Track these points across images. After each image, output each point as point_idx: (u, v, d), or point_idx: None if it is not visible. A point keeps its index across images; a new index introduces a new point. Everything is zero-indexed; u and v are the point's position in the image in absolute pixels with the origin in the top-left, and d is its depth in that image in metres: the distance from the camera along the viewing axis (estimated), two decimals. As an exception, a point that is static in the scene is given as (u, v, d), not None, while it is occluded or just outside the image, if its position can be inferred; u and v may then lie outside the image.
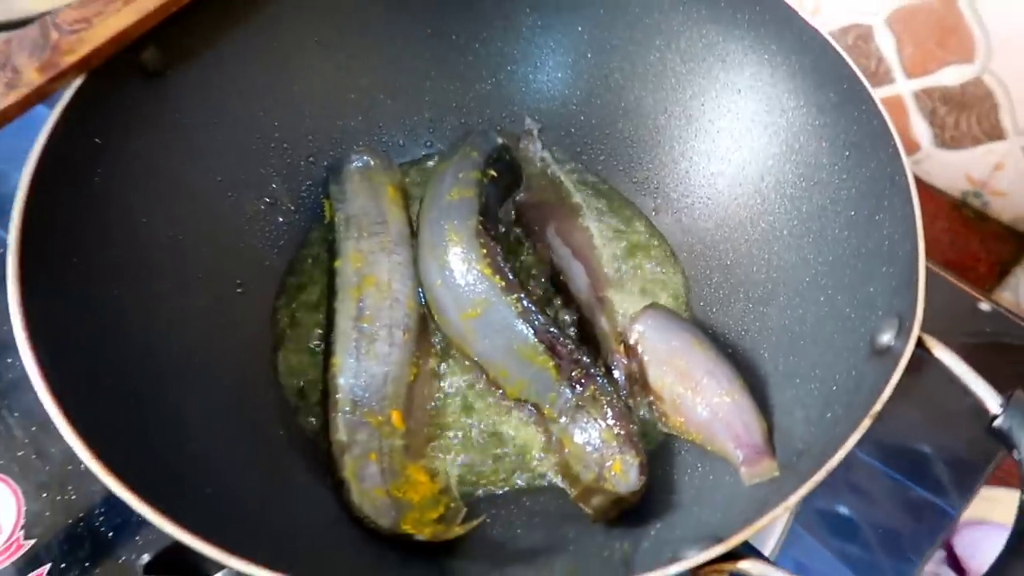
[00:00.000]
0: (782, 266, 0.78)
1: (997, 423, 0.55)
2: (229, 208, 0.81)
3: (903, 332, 0.59)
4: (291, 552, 0.55)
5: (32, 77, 0.66)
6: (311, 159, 0.89)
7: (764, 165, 0.83)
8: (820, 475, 0.52)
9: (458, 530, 0.66)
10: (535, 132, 0.95)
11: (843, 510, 0.84)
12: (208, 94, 0.80)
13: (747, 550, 0.50)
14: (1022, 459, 0.54)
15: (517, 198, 0.91)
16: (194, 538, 0.48)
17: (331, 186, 0.86)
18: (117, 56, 0.70)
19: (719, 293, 0.84)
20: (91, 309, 0.63)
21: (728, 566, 0.51)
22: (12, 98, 0.65)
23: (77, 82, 0.68)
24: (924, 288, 0.60)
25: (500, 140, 0.90)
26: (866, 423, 0.54)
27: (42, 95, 0.67)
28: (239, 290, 0.79)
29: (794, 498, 0.52)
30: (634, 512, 0.67)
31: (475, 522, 0.68)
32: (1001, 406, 0.55)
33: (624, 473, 0.66)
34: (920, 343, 0.58)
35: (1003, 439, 0.55)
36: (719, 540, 0.50)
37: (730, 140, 0.86)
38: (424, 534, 0.65)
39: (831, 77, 0.75)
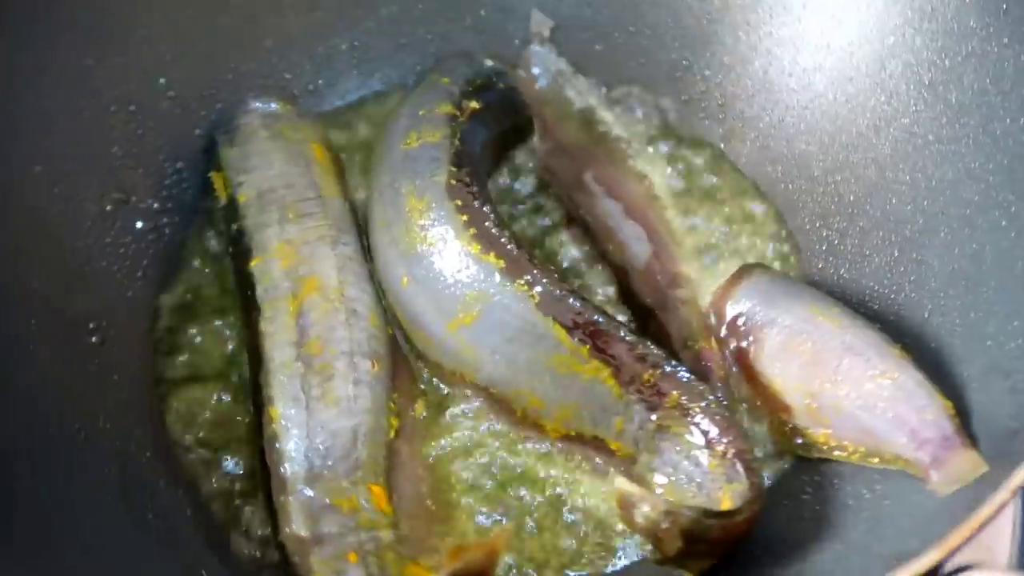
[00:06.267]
0: (936, 187, 0.89)
1: None
2: (59, 213, 0.89)
3: None
4: None
5: None
6: (176, 124, 0.99)
7: (883, 45, 0.94)
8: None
9: None
10: (546, 33, 1.06)
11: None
12: (15, 31, 0.87)
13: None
14: None
15: (537, 147, 1.02)
16: None
17: (224, 150, 0.96)
18: None
19: (845, 244, 0.95)
20: None
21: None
22: None
23: None
24: None
25: (488, 62, 1.01)
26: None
27: None
28: (94, 338, 0.87)
29: (1018, 479, 0.62)
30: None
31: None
32: None
33: (733, 503, 0.76)
34: None
35: None
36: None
37: (825, 16, 0.98)
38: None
39: None
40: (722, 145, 1.04)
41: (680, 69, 1.05)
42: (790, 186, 1.00)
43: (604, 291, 0.96)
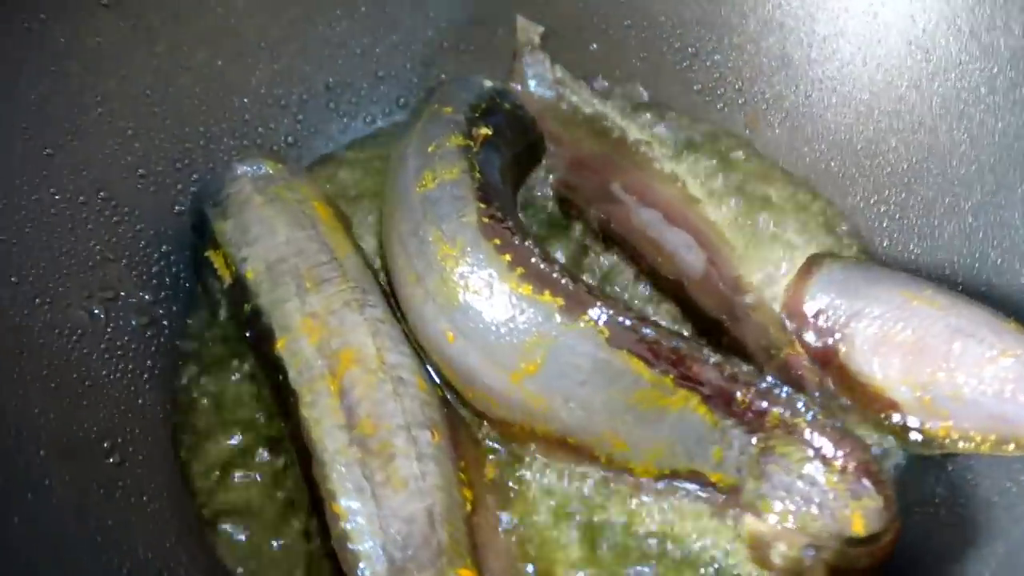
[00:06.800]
0: (1000, 142, 0.85)
1: None
2: (45, 326, 0.82)
3: None
4: None
5: None
6: (153, 204, 0.92)
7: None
8: None
9: None
10: (536, 41, 1.01)
11: None
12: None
13: None
14: None
15: (551, 164, 0.96)
16: None
17: (218, 225, 0.88)
18: None
19: (908, 217, 0.91)
20: None
21: None
22: None
23: None
24: None
25: (488, 83, 0.94)
26: None
27: None
28: (112, 459, 0.80)
29: None
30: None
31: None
32: None
33: (867, 523, 0.70)
34: None
35: None
36: None
37: (840, -23, 0.94)
38: None
39: None
40: (748, 132, 1.00)
41: (687, 58, 1.01)
42: (832, 164, 0.96)
43: (660, 310, 0.91)
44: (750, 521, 0.74)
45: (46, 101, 0.86)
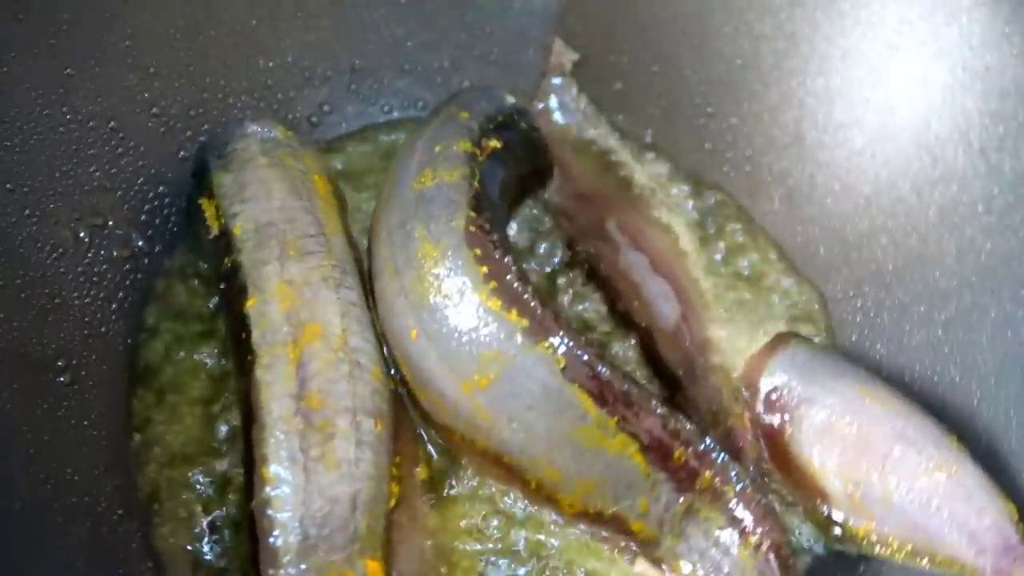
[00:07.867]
0: (985, 262, 0.86)
1: None
2: (29, 237, 0.83)
3: None
4: None
5: None
6: (159, 144, 0.94)
7: (928, 104, 0.91)
8: None
9: None
10: (568, 66, 1.02)
11: None
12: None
13: None
14: None
15: (548, 194, 0.97)
16: None
17: (218, 176, 0.89)
18: None
19: (882, 317, 0.92)
20: None
21: None
22: None
23: None
24: None
25: (510, 99, 0.95)
26: None
27: None
28: (63, 378, 0.81)
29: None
30: None
31: None
32: None
33: None
34: None
35: None
36: None
37: (865, 68, 0.95)
38: None
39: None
40: (748, 201, 1.01)
41: (704, 116, 1.02)
42: (821, 249, 0.97)
43: (625, 352, 0.92)
44: (641, 567, 0.76)
45: (76, 22, 0.87)
